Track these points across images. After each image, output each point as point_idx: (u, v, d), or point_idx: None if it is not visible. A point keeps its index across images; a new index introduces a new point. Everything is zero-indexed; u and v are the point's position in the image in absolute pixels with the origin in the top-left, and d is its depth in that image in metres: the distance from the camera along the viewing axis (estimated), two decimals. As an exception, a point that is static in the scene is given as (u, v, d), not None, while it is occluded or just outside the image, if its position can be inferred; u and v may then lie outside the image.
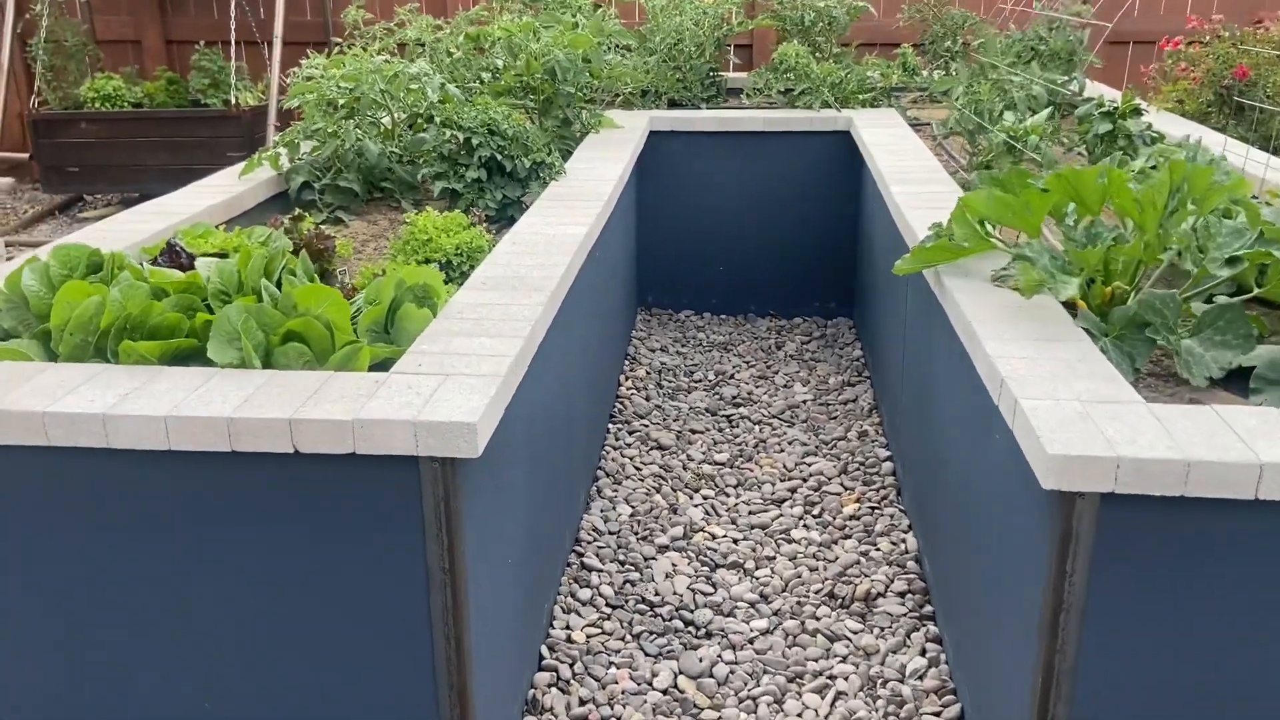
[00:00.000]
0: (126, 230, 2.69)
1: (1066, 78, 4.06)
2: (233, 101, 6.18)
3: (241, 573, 1.75)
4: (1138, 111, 3.60)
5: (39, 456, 1.70)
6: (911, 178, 3.30)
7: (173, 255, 2.38)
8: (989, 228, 2.43)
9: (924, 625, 2.60)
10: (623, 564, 2.89)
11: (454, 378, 1.78)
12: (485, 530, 1.88)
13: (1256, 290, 2.14)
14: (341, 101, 3.49)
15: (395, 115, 3.55)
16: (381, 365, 1.96)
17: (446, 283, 2.52)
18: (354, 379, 1.77)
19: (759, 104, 4.83)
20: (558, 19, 4.18)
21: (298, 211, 2.84)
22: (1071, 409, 1.66)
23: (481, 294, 2.21)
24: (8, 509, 1.77)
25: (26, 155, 6.75)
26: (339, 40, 4.84)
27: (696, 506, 3.18)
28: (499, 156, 3.21)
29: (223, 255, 2.41)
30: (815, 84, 4.57)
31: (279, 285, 2.04)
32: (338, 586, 1.75)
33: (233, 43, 6.15)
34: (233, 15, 6.15)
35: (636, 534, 3.04)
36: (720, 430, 3.69)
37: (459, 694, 1.81)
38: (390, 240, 3.12)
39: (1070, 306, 2.15)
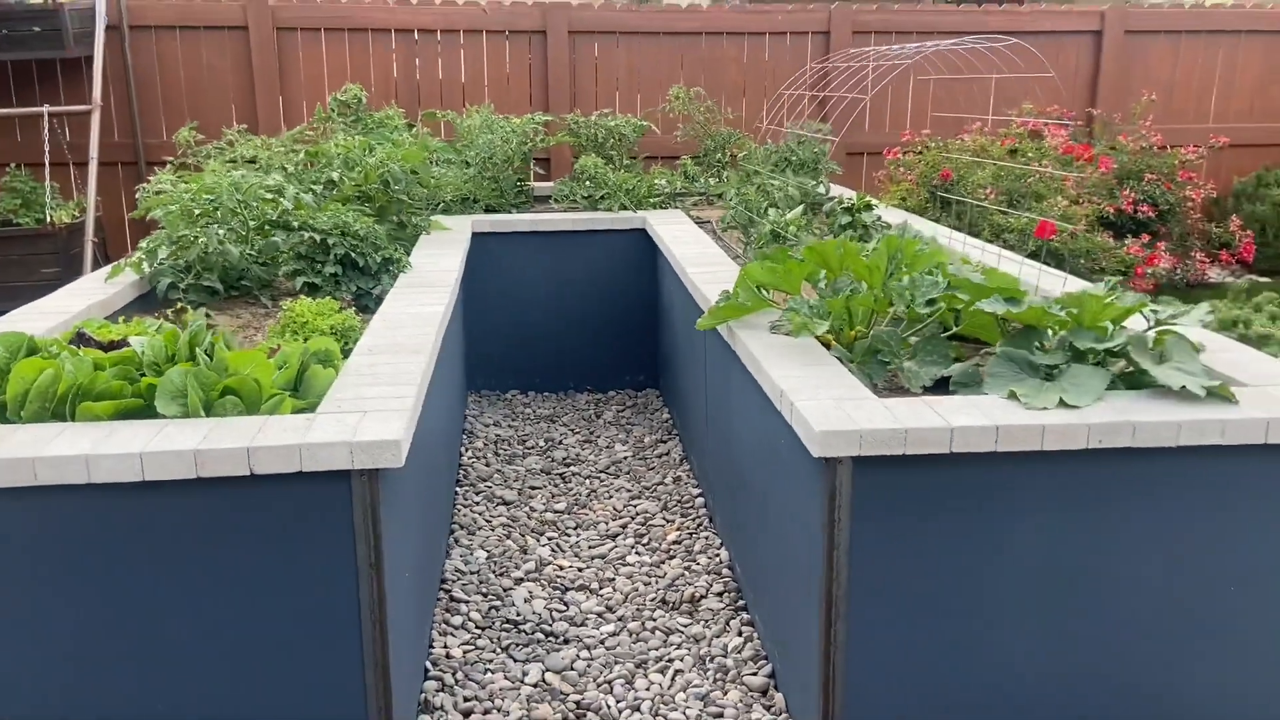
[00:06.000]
0: (23, 328, 2.99)
1: (814, 181, 4.98)
2: (47, 219, 6.30)
3: (207, 581, 2.14)
4: (869, 207, 4.52)
5: (23, 498, 2.05)
6: (702, 262, 4.03)
7: (85, 342, 2.72)
8: (765, 292, 3.15)
9: (739, 614, 3.21)
10: (486, 594, 3.35)
11: (371, 413, 2.26)
12: (398, 535, 2.34)
13: (955, 329, 2.94)
14: (198, 211, 3.88)
15: (249, 222, 3.97)
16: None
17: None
18: (290, 419, 2.22)
19: (566, 208, 5.53)
20: (386, 137, 4.73)
21: (180, 305, 3.21)
22: (829, 403, 2.34)
23: (372, 357, 2.70)
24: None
25: None
26: (169, 159, 5.19)
27: (544, 546, 3.69)
28: (353, 254, 3.69)
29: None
30: (613, 190, 5.32)
31: (209, 355, 2.45)
32: (286, 584, 2.16)
33: (46, 164, 6.32)
34: (46, 138, 6.33)
35: (495, 571, 3.50)
36: (556, 485, 4.22)
37: (382, 671, 2.25)
38: (256, 331, 3.52)
39: (826, 345, 2.87)
